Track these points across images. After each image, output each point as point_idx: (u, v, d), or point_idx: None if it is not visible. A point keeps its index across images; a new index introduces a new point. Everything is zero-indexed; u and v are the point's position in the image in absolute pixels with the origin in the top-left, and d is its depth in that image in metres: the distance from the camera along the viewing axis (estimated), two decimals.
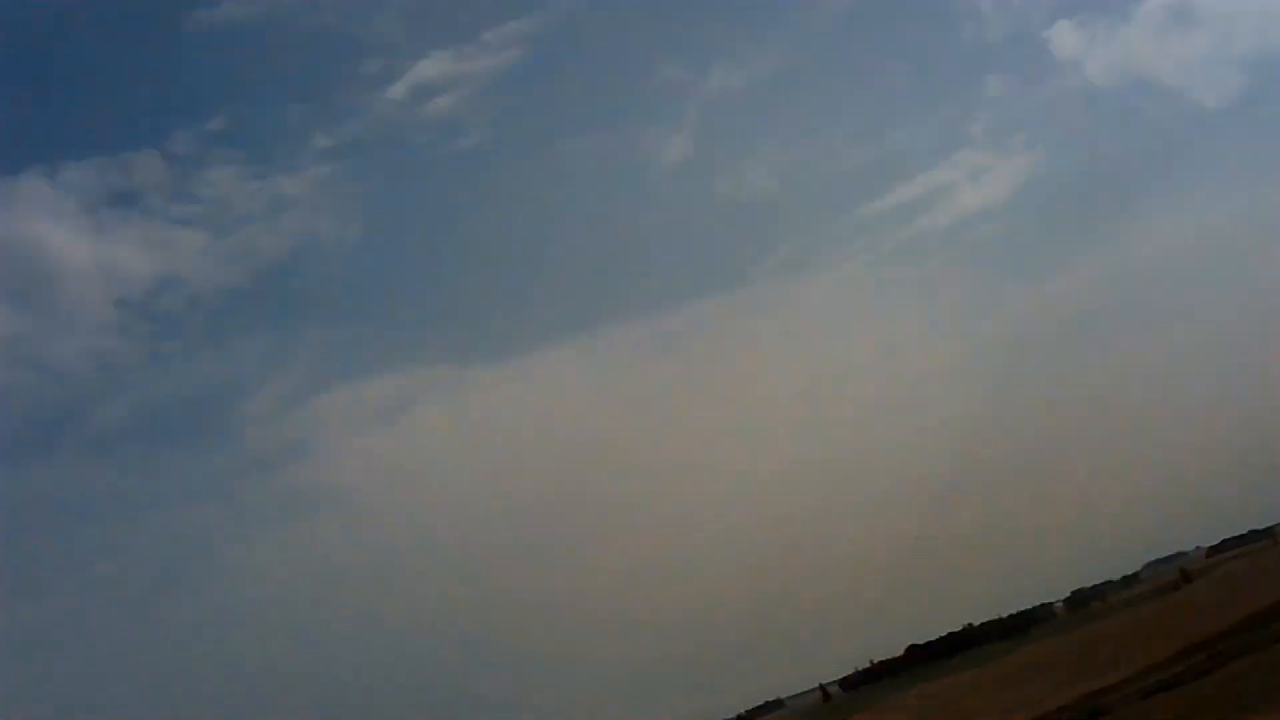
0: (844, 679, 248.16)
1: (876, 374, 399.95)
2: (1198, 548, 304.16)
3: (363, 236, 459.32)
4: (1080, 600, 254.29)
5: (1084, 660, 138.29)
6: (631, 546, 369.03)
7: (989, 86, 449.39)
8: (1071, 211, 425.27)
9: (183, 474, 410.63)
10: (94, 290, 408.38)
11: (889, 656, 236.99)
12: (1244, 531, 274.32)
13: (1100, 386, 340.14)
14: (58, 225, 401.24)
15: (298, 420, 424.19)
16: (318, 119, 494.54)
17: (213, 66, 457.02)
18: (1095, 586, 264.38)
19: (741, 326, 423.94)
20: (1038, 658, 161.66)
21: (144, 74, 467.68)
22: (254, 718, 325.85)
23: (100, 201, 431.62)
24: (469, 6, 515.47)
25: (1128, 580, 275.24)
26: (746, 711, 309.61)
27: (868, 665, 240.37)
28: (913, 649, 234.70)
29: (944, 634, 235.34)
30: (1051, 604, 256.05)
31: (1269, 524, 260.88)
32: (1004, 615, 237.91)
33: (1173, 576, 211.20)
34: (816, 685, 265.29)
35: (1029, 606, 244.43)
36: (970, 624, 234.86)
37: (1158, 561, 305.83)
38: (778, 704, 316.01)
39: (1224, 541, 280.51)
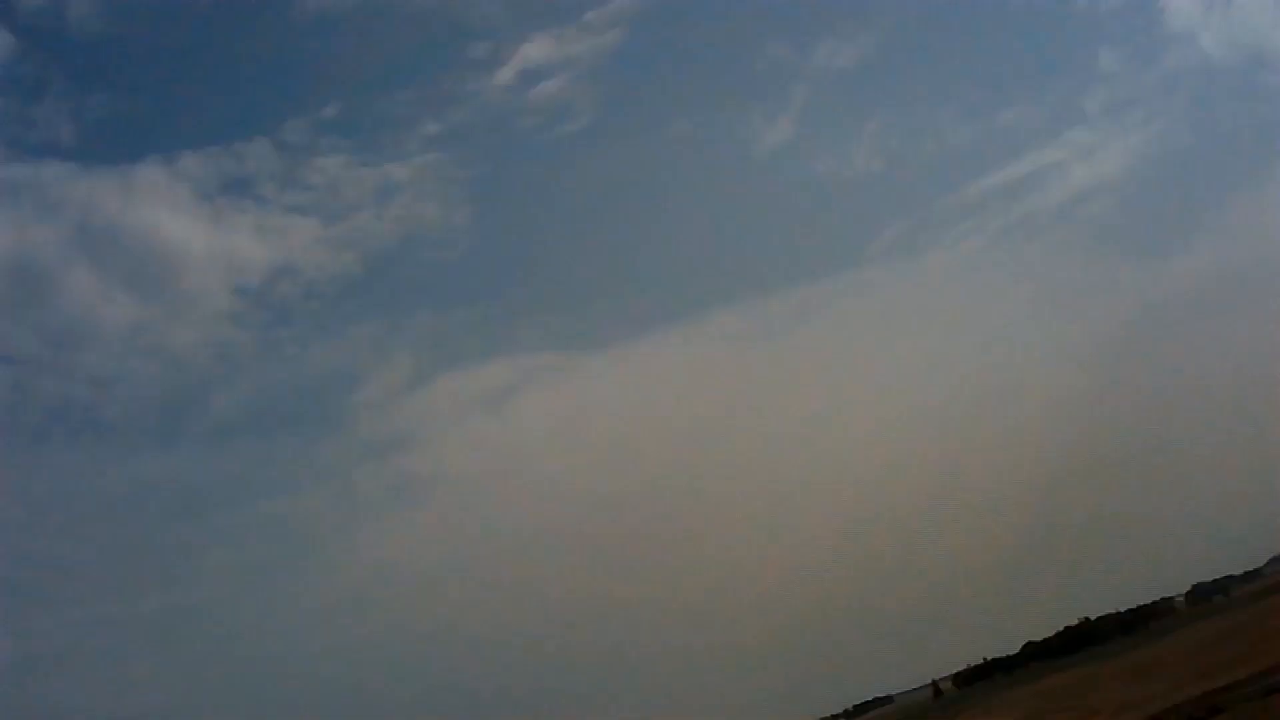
0: (958, 674, 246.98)
1: (988, 358, 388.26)
2: None
3: (470, 223, 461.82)
4: (1201, 595, 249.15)
5: (1203, 657, 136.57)
6: (740, 536, 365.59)
7: (1102, 61, 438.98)
8: (1188, 190, 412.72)
9: (297, 462, 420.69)
10: (213, 279, 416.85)
11: (1005, 654, 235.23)
12: None
13: (1222, 371, 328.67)
14: (176, 213, 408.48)
15: (408, 408, 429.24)
16: (425, 105, 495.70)
17: (321, 54, 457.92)
18: (1217, 581, 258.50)
19: (849, 310, 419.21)
20: (1156, 654, 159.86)
21: (255, 63, 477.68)
22: (370, 703, 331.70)
23: (215, 190, 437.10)
24: None
25: (1249, 575, 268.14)
26: (854, 706, 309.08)
27: (981, 661, 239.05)
28: (1030, 645, 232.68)
29: (1061, 629, 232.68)
30: (1171, 598, 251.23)
31: None
32: (1122, 610, 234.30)
33: None
34: (929, 681, 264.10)
35: (1149, 601, 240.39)
36: (1087, 618, 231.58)
37: None
38: (887, 699, 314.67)
39: None
